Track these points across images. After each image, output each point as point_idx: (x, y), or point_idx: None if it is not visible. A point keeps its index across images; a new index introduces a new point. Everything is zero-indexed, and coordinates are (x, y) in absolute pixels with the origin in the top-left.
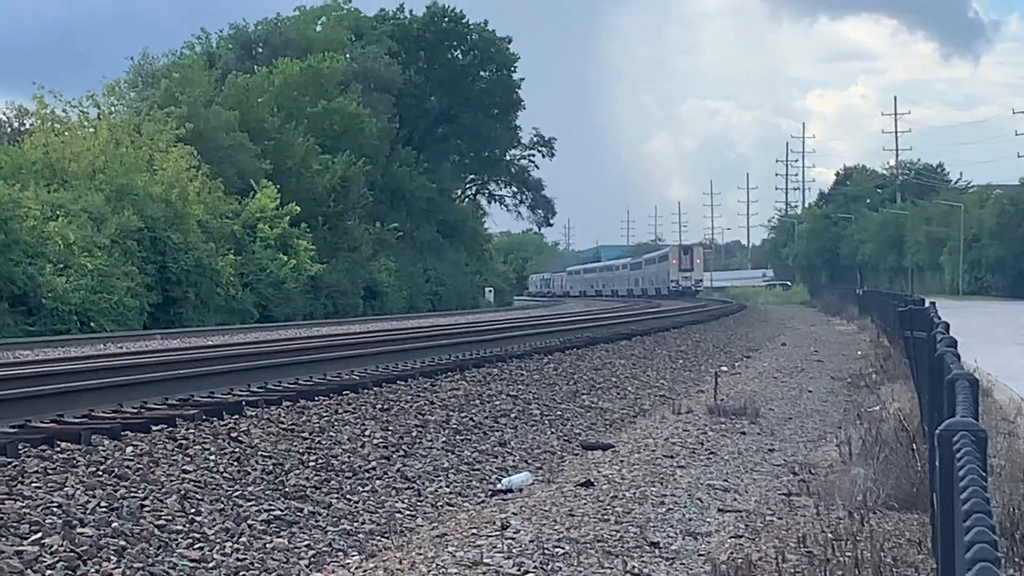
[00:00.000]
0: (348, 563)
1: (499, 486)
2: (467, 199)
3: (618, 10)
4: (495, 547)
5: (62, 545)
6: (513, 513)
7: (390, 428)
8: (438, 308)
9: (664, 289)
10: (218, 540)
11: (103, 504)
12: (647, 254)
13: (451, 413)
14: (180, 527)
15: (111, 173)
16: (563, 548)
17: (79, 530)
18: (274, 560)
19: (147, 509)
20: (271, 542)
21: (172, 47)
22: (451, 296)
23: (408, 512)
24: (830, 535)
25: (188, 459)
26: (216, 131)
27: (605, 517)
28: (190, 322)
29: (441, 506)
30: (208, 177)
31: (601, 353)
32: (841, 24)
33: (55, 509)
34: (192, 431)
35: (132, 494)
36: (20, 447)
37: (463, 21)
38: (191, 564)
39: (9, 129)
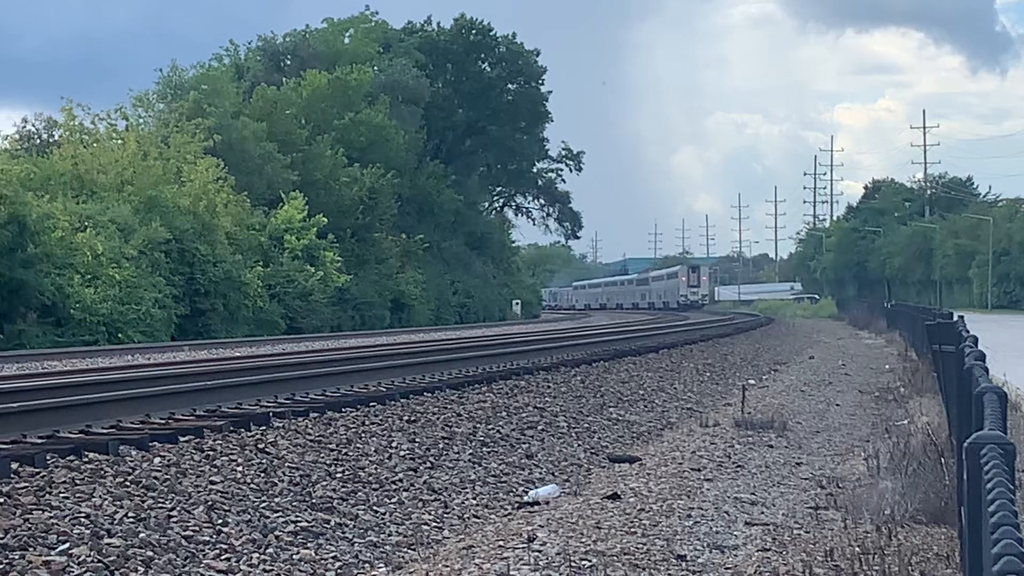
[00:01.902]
0: (375, 575)
1: (526, 498)
2: (494, 211)
3: (645, 24)
4: (522, 560)
5: (90, 555)
6: (540, 525)
7: (417, 440)
8: (465, 320)
9: (673, 303)
10: (245, 551)
11: (130, 515)
12: (654, 271)
13: (478, 425)
14: (207, 538)
15: (139, 185)
16: (590, 561)
17: (107, 540)
18: (301, 572)
19: (174, 520)
20: (298, 553)
21: (199, 60)
22: (478, 308)
23: (435, 524)
24: (858, 549)
25: (215, 470)
26: (245, 142)
27: (632, 530)
28: (218, 333)
29: (468, 518)
30: (234, 189)
31: (628, 366)
32: (867, 37)
33: (83, 519)
34: (219, 442)
35: (159, 505)
36: (48, 457)
37: (491, 33)
38: (218, 575)
39: (38, 141)
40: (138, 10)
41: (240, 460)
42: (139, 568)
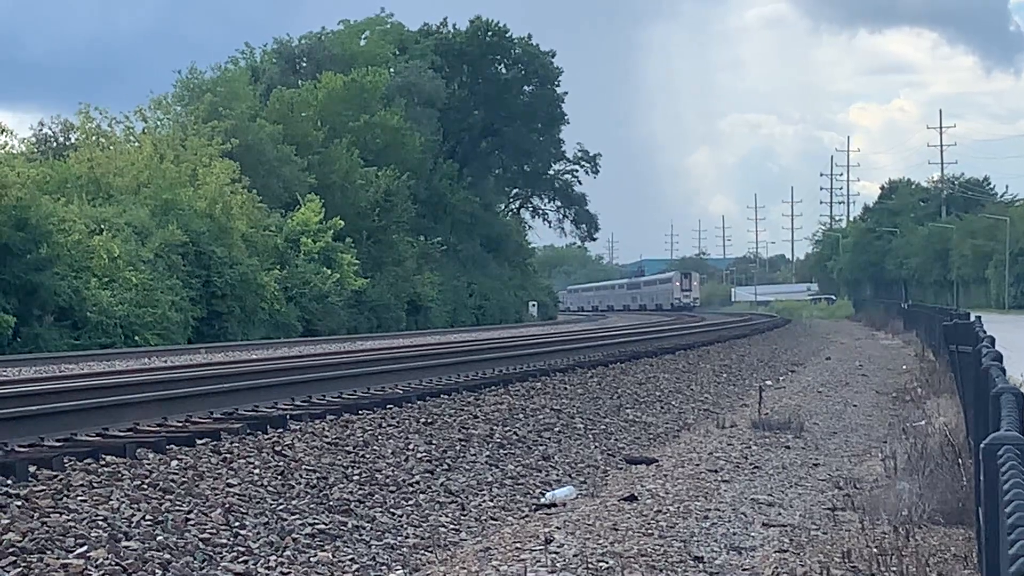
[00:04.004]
0: None
1: (543, 500)
2: (510, 213)
3: (659, 25)
4: (539, 561)
5: (107, 558)
6: (557, 527)
7: (434, 442)
8: (482, 322)
9: (666, 304)
10: (262, 554)
11: (148, 517)
12: (646, 276)
13: (495, 427)
14: (224, 541)
15: (155, 188)
16: (607, 562)
17: (124, 543)
18: (318, 574)
19: (192, 522)
20: (315, 556)
21: (211, 63)
22: (495, 310)
23: (452, 526)
24: (875, 550)
25: (232, 473)
26: (261, 145)
27: (649, 531)
28: (234, 336)
29: (485, 520)
30: (249, 190)
31: (645, 367)
32: (881, 37)
33: (100, 522)
34: (237, 445)
35: (177, 507)
36: (66, 460)
37: (506, 35)
38: None
39: (55, 144)
40: (148, 14)
41: (257, 463)
42: (156, 571)
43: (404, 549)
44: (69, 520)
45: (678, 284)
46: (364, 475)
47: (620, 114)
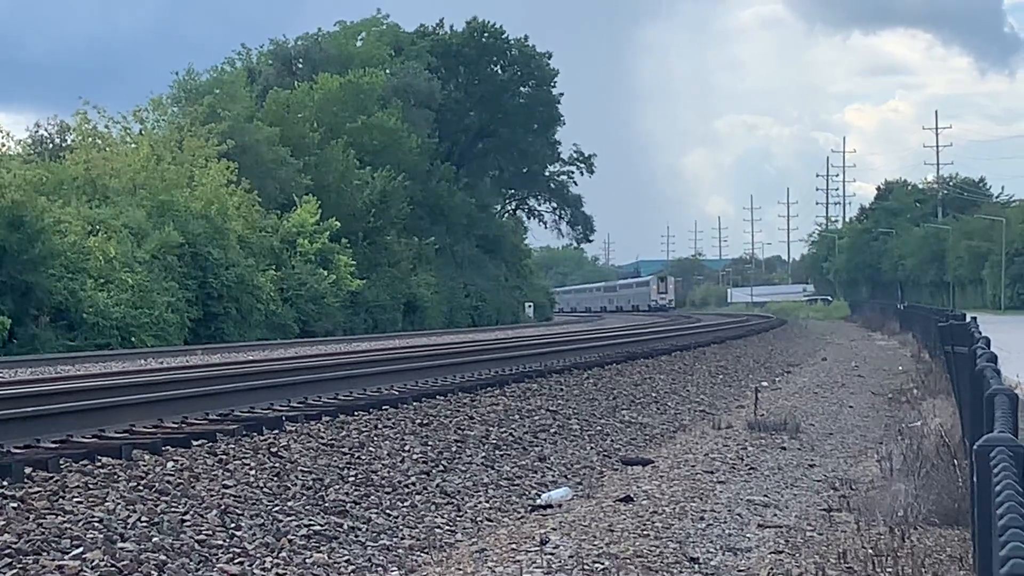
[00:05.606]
0: None
1: (538, 501)
2: (507, 214)
3: (656, 25)
4: (534, 563)
5: (103, 560)
6: (552, 528)
7: (429, 443)
8: (478, 323)
9: (643, 306)
10: (258, 555)
11: (144, 519)
12: (622, 280)
13: (490, 428)
14: (220, 542)
15: (152, 189)
16: (603, 564)
17: (120, 545)
18: (314, 575)
19: (187, 524)
20: (311, 557)
21: (207, 64)
22: (491, 311)
23: (447, 527)
24: (871, 551)
25: (228, 474)
26: (257, 146)
27: (645, 532)
28: (231, 337)
29: (480, 521)
30: (246, 191)
31: (641, 368)
32: (875, 39)
33: (96, 524)
34: (232, 446)
35: (172, 509)
36: (62, 462)
37: (503, 36)
38: None
39: (51, 145)
40: (148, 14)
41: (253, 464)
42: (152, 572)
43: (400, 550)
44: (65, 522)
45: (655, 287)
46: (360, 476)
47: (618, 114)
